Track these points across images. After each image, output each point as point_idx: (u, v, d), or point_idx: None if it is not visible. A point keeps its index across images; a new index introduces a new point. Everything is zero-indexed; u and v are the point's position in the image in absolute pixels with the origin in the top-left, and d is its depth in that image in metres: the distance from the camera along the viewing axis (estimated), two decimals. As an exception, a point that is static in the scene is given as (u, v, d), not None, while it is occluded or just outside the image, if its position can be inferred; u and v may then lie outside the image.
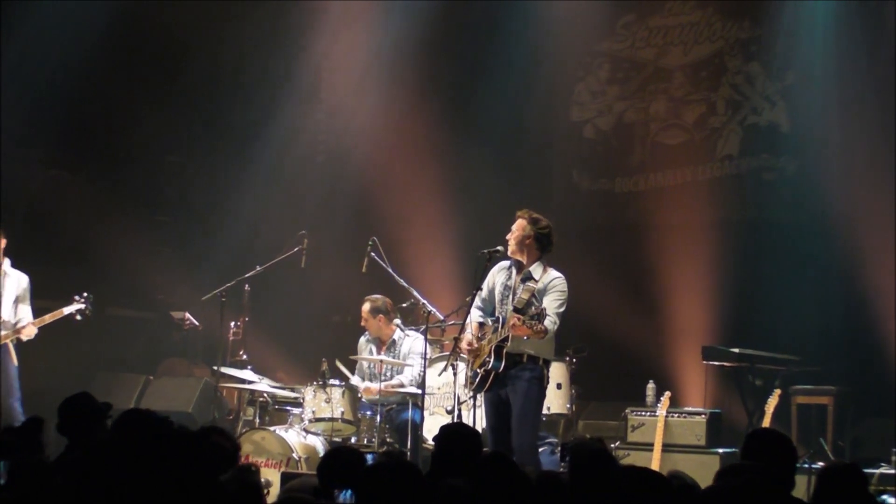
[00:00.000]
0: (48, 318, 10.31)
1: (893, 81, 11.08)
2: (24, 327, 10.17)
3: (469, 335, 8.38)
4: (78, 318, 10.42)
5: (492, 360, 8.07)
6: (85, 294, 10.38)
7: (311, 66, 14.19)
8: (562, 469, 8.97)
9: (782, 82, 12.25)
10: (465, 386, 8.55)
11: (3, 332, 10.13)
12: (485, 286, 8.50)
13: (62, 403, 5.99)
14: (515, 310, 8.00)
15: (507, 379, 8.14)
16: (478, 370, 8.24)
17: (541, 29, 13.30)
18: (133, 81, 13.63)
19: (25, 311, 10.30)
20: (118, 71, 13.53)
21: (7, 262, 10.36)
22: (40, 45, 12.69)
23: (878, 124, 11.21)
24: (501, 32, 13.51)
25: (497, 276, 8.44)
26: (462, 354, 8.49)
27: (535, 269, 8.25)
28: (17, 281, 10.33)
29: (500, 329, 8.08)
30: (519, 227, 8.31)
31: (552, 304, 8.08)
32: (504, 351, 8.07)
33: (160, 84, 13.87)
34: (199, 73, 14.10)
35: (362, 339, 10.65)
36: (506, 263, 8.44)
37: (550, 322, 7.95)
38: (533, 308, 7.98)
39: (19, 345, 10.26)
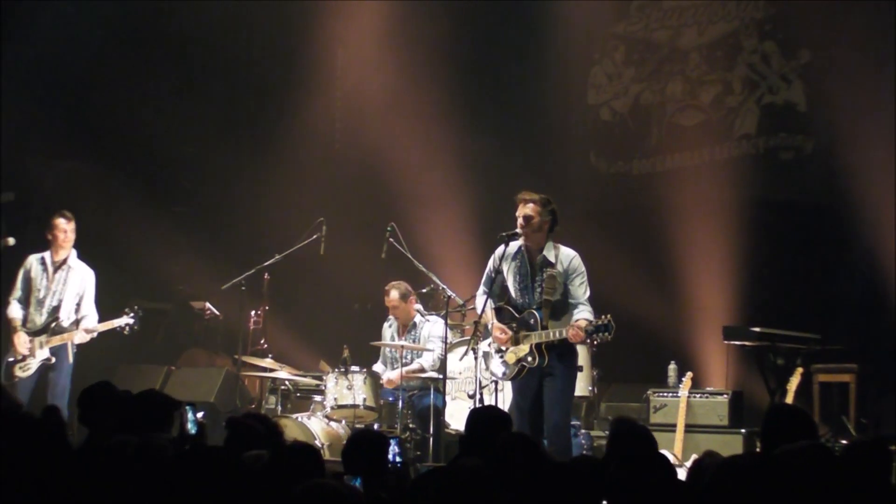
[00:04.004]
0: (101, 327, 10.01)
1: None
2: (79, 322, 9.87)
3: (497, 323, 8.25)
4: (126, 332, 10.11)
5: (536, 358, 7.99)
6: (136, 307, 10.10)
7: (326, 52, 14.18)
8: (584, 453, 8.99)
9: (798, 61, 12.21)
10: (502, 376, 8.37)
11: (65, 334, 9.85)
12: (489, 270, 8.36)
13: (81, 394, 6.05)
14: (546, 302, 7.99)
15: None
16: (515, 364, 8.10)
17: (556, 12, 13.28)
18: (147, 72, 13.66)
19: (88, 308, 10.04)
20: (132, 62, 13.56)
21: (74, 253, 10.11)
22: (52, 39, 12.71)
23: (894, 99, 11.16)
24: (518, 16, 13.51)
25: (507, 263, 8.25)
26: (501, 347, 8.23)
27: (549, 252, 8.14)
28: (82, 276, 10.07)
29: (543, 331, 7.97)
30: (535, 212, 8.09)
31: (581, 292, 8.06)
32: (544, 346, 8.01)
33: (174, 74, 13.90)
34: (213, 63, 14.12)
35: (385, 325, 10.67)
36: (512, 248, 8.24)
37: (589, 313, 7.98)
38: (559, 294, 8.01)
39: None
